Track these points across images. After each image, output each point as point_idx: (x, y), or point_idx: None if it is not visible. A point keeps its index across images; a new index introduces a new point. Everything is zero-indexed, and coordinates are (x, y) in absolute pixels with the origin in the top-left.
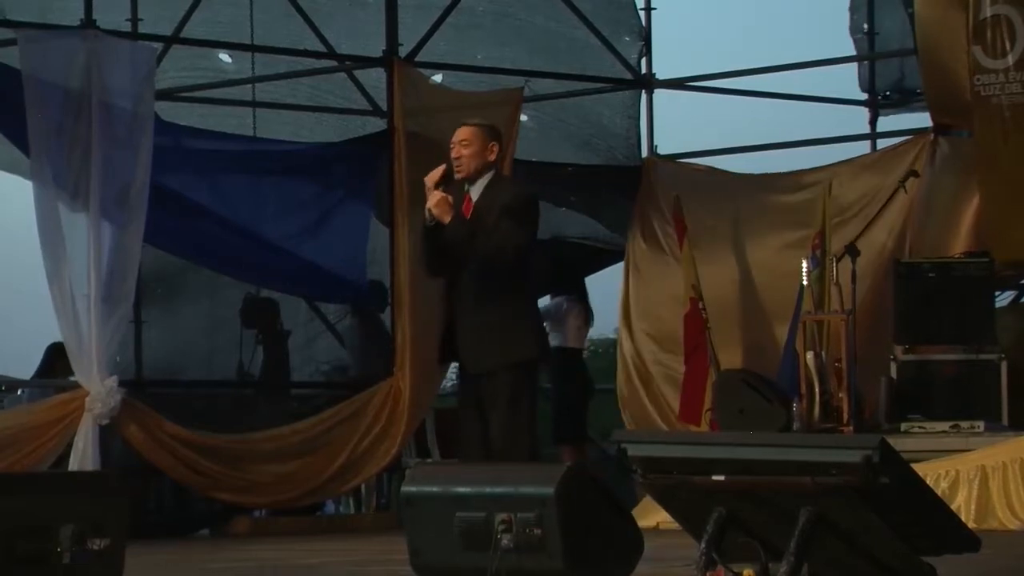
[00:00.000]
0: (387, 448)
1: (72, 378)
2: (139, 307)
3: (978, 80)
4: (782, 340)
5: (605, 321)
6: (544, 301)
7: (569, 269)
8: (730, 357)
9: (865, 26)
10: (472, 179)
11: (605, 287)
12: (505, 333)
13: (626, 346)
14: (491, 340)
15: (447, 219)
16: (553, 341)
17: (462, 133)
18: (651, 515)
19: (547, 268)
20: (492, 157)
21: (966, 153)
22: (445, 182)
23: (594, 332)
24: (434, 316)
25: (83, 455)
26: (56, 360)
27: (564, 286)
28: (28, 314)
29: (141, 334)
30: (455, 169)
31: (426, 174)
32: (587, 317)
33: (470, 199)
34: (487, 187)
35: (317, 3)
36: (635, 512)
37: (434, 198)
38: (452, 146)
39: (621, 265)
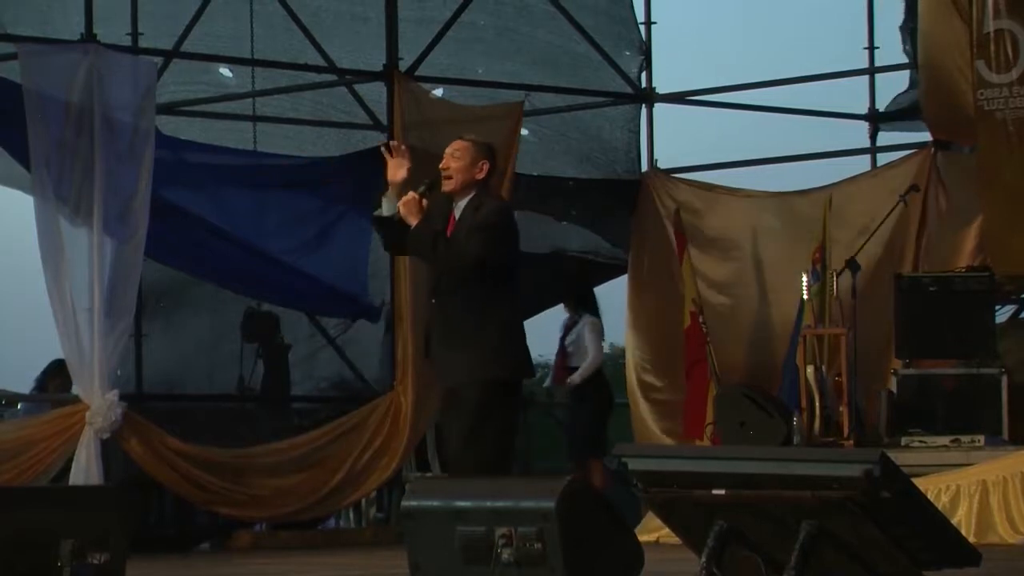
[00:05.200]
0: (388, 462)
1: (68, 395)
2: (140, 321)
3: (982, 95)
4: (782, 354)
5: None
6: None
7: (570, 283)
8: (731, 371)
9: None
10: (458, 195)
11: (602, 301)
12: (473, 349)
13: (632, 360)
14: (459, 354)
15: (412, 221)
16: (576, 361)
17: (454, 145)
18: (651, 529)
19: (549, 283)
20: (480, 175)
21: (969, 167)
22: (429, 189)
23: None
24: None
25: (84, 469)
26: (49, 379)
27: (570, 300)
28: (29, 329)
29: (142, 348)
30: (443, 180)
31: (415, 187)
32: (601, 332)
33: (454, 217)
34: (468, 204)
35: (318, 17)
36: (638, 527)
37: (406, 197)
38: (444, 156)
39: (620, 279)
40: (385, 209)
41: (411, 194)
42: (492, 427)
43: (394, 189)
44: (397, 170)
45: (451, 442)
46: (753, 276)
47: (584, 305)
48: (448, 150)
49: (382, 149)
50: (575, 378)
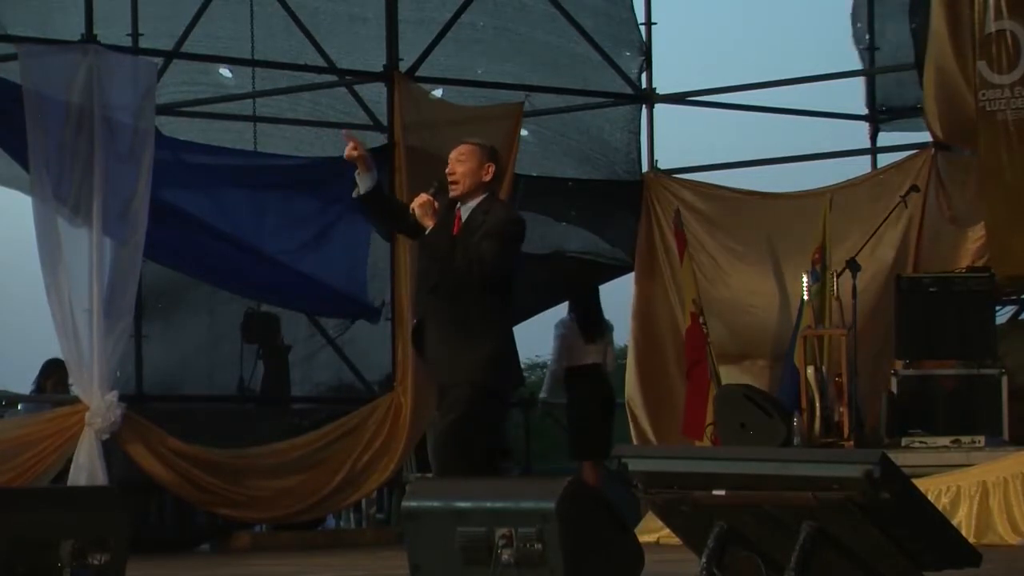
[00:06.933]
0: (387, 463)
1: (68, 395)
2: (140, 322)
3: (983, 95)
4: (783, 355)
5: None
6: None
7: (570, 283)
8: (731, 371)
9: (867, 37)
10: (464, 198)
11: (602, 301)
12: (471, 354)
13: (633, 361)
14: (456, 357)
15: (428, 223)
16: (568, 362)
17: (459, 149)
18: (652, 529)
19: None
20: (487, 177)
21: (970, 168)
22: (439, 189)
23: None
24: None
25: (85, 470)
26: (44, 380)
27: (570, 301)
28: (30, 329)
29: (142, 349)
30: (450, 185)
31: (426, 188)
32: (593, 334)
33: (460, 218)
34: (477, 207)
35: (317, 18)
36: (638, 527)
37: (420, 198)
38: (449, 162)
39: (622, 279)
40: (361, 186)
41: (424, 196)
42: (478, 426)
43: (362, 164)
44: (350, 151)
45: (437, 435)
46: (753, 276)
47: (570, 305)
48: (453, 155)
49: (343, 133)
50: (542, 393)
